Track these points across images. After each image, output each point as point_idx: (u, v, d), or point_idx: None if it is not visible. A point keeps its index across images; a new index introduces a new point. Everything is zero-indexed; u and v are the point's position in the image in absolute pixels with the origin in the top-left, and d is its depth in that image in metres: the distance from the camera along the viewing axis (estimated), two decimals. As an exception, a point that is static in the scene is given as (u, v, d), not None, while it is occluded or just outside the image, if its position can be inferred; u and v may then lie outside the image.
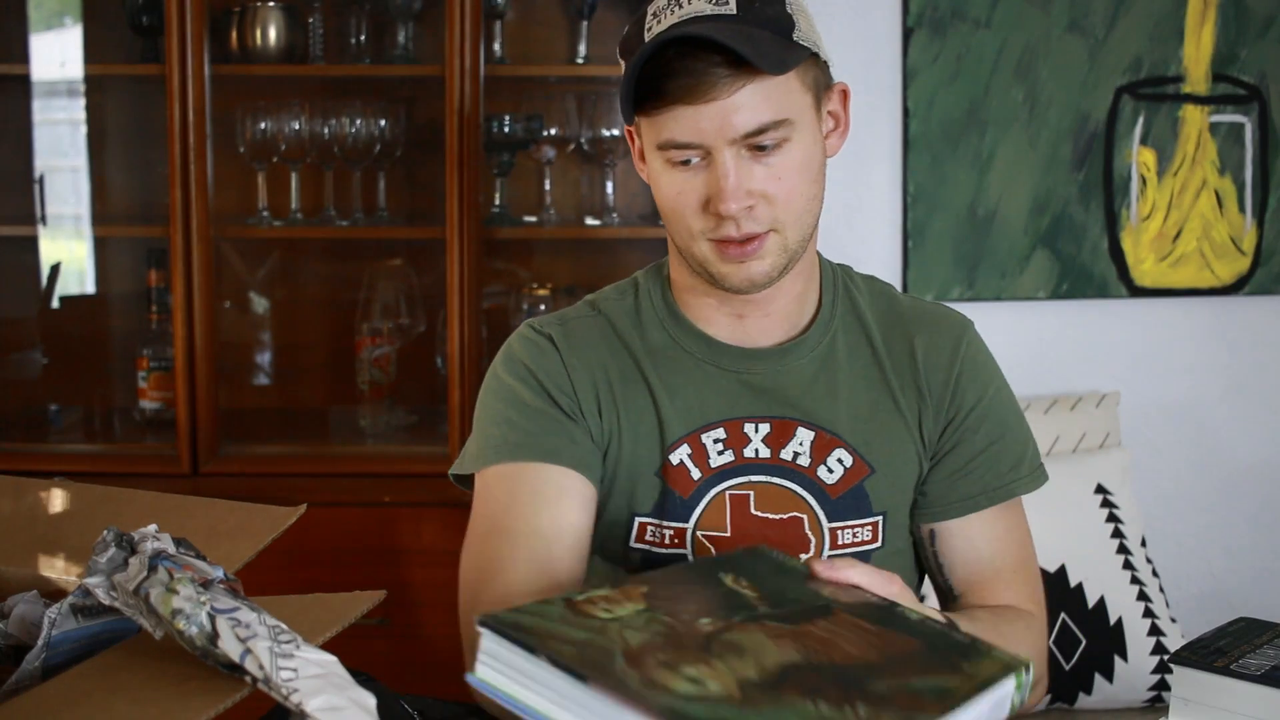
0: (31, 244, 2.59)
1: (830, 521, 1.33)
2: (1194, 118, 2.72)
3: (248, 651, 0.87)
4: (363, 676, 1.16)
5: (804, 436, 1.33)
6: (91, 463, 2.49)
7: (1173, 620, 2.44)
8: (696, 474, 1.33)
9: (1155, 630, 2.40)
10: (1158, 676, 2.38)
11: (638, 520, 1.35)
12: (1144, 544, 2.51)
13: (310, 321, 2.76)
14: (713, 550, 1.33)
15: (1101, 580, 2.41)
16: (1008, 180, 2.69)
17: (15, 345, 2.74)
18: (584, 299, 1.44)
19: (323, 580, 2.30)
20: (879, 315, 1.41)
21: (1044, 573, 2.38)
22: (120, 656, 0.96)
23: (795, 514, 1.33)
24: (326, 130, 2.53)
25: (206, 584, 0.92)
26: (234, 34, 2.52)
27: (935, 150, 2.68)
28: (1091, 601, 2.39)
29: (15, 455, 2.49)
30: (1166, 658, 2.35)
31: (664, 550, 1.34)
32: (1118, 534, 2.46)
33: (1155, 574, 2.49)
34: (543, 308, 2.59)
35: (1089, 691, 2.37)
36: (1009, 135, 2.68)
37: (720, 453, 1.33)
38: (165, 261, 2.48)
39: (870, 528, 1.34)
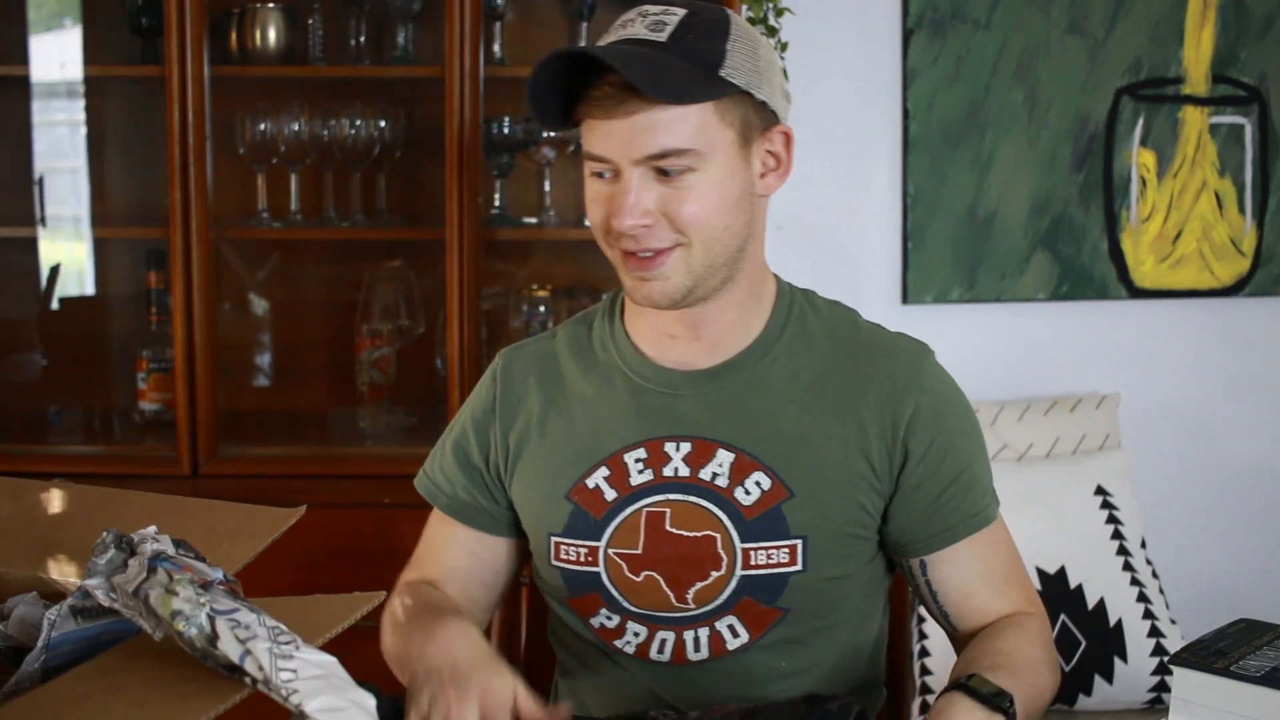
0: (31, 245, 2.59)
1: (743, 542, 1.34)
2: (1194, 119, 2.72)
3: (247, 653, 0.87)
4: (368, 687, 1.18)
5: (724, 458, 1.36)
6: (91, 464, 2.49)
7: (1172, 621, 2.44)
8: (612, 494, 1.37)
9: (1155, 631, 2.40)
10: (1158, 678, 2.38)
11: (553, 540, 1.40)
12: (1144, 545, 2.51)
13: (310, 323, 2.76)
14: (624, 567, 1.37)
15: (1101, 581, 2.41)
16: (1007, 181, 2.70)
17: (15, 346, 2.74)
18: (562, 324, 1.52)
19: (323, 581, 2.29)
20: (834, 343, 1.41)
21: (1044, 574, 2.39)
22: (120, 658, 0.96)
23: (709, 532, 1.35)
24: (326, 132, 2.53)
25: (206, 585, 0.92)
26: (233, 35, 2.51)
27: (935, 151, 2.68)
28: (1091, 603, 2.39)
29: (15, 456, 2.48)
30: (1166, 659, 2.35)
31: (578, 568, 1.38)
32: (1117, 535, 2.47)
33: (1155, 575, 2.49)
34: (542, 309, 2.59)
35: (1089, 693, 2.37)
36: (1009, 136, 2.69)
37: (640, 471, 1.37)
38: (165, 263, 2.48)
39: (788, 550, 1.34)
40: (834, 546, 1.35)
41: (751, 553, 1.34)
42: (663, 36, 1.27)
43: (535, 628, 1.65)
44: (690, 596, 1.35)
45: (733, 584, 1.34)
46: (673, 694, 1.39)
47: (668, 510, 1.35)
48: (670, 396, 1.39)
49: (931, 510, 1.37)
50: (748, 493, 1.34)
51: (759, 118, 1.33)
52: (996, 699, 1.21)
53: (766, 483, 1.34)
